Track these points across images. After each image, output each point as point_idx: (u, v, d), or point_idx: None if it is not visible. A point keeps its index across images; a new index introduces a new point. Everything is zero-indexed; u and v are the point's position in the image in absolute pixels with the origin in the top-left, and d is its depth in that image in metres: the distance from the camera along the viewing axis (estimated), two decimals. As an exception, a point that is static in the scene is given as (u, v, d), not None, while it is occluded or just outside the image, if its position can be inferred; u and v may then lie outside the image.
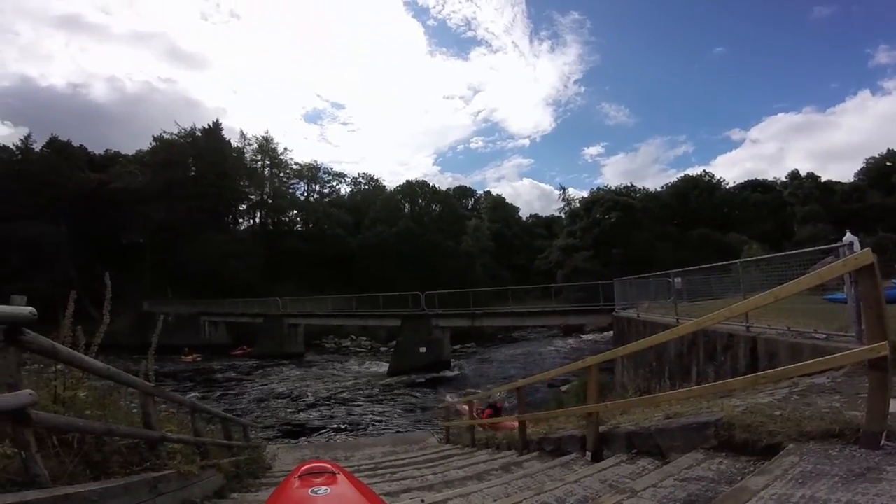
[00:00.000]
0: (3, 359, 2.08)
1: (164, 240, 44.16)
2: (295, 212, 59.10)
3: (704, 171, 68.74)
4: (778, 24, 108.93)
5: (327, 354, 32.41)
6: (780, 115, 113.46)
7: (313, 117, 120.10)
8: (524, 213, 76.50)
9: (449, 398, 18.63)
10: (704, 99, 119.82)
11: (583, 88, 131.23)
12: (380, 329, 35.71)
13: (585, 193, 65.52)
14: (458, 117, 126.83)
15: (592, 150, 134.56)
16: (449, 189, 66.11)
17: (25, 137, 47.38)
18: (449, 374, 22.62)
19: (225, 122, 57.57)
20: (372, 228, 49.31)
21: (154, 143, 50.46)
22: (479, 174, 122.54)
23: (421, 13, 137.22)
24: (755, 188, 63.02)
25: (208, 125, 51.83)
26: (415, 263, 44.02)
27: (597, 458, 3.83)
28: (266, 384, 21.86)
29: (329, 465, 1.39)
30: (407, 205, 53.77)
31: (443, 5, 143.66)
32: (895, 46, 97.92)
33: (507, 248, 58.84)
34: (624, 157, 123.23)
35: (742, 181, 66.65)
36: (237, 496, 4.44)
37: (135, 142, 72.31)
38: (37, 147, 46.62)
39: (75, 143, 49.29)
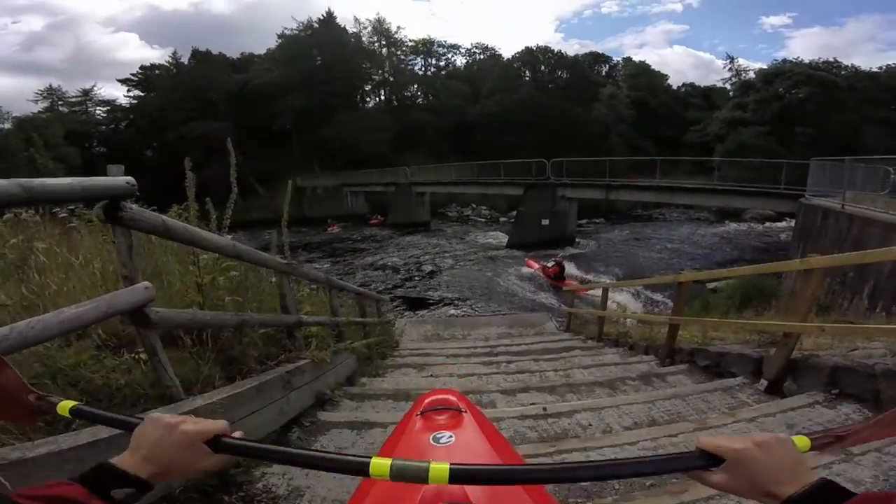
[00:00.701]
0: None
1: (306, 123, 47.80)
2: (415, 86, 58.43)
3: None
4: None
5: (450, 223, 33.66)
6: None
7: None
8: (674, 83, 63.29)
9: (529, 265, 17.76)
10: None
11: None
12: (500, 198, 35.58)
13: (762, 65, 51.39)
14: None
15: (774, 20, 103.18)
16: (577, 55, 57.14)
17: (173, 54, 52.54)
18: (572, 250, 21.49)
19: (337, 12, 56.29)
20: (490, 98, 46.30)
21: (279, 41, 53.16)
22: (614, 41, 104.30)
23: None
24: None
25: (322, 16, 51.86)
26: (538, 132, 40.87)
27: (775, 390, 3.01)
28: (395, 253, 23.31)
29: (454, 397, 1.30)
30: (528, 73, 48.50)
31: None
32: None
33: (652, 118, 50.49)
34: (822, 30, 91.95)
35: None
36: (365, 381, 4.26)
37: (263, 43, 77.30)
38: (184, 60, 51.99)
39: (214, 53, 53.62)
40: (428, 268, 19.39)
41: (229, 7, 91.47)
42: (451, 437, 1.07)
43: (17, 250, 2.41)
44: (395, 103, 56.07)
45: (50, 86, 51.37)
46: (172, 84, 49.71)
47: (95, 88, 52.69)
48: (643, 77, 56.82)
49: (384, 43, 56.21)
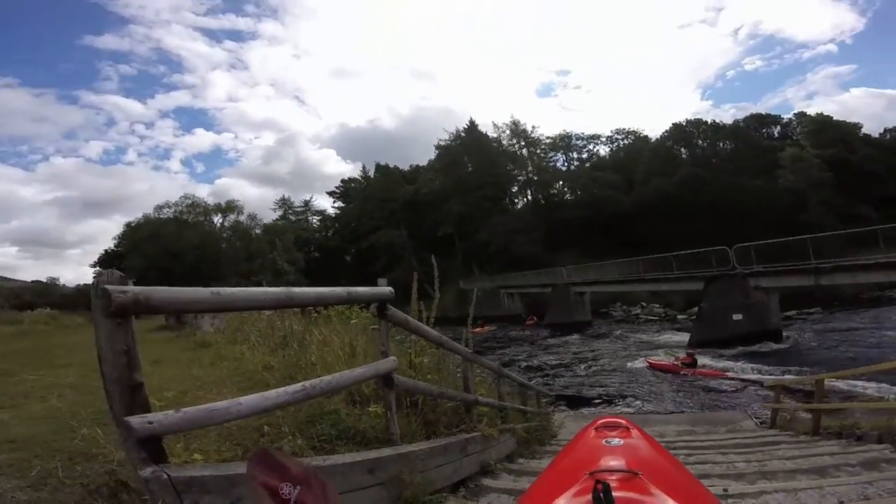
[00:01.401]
0: (378, 330, 2.56)
1: (465, 228, 51.99)
2: (560, 183, 59.50)
3: None
4: None
5: (615, 323, 30.79)
6: None
7: (545, 91, 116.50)
8: (871, 131, 52.83)
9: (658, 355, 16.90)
10: None
11: None
12: (674, 294, 31.96)
13: None
14: (712, 42, 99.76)
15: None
16: (737, 121, 51.98)
17: (363, 169, 64.71)
18: (775, 346, 17.43)
19: (476, 118, 63.50)
20: (645, 184, 44.04)
21: (437, 151, 60.71)
22: (775, 97, 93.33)
23: None
24: None
25: (466, 126, 58.28)
26: (711, 215, 36.57)
27: None
28: (552, 351, 22.03)
29: (623, 421, 1.41)
30: (683, 150, 45.47)
31: None
32: None
33: (858, 178, 41.49)
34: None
35: None
36: (523, 461, 4.48)
37: (424, 152, 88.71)
38: (370, 173, 63.24)
39: (390, 166, 63.71)
40: (589, 367, 17.60)
41: (393, 123, 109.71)
42: (620, 440, 1.21)
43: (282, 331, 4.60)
44: (543, 201, 57.63)
45: (283, 196, 66.76)
46: (364, 196, 60.12)
47: (312, 199, 67.11)
48: (829, 131, 48.22)
49: (523, 143, 59.51)
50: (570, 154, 61.95)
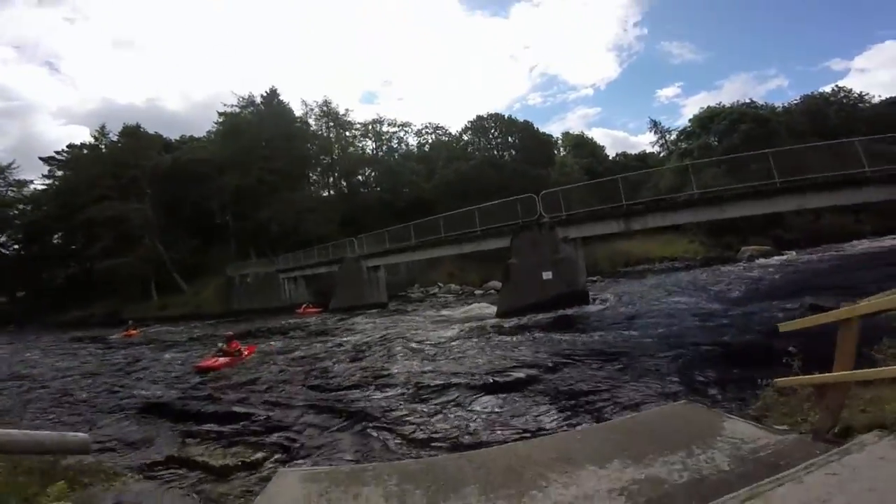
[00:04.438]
0: None
1: (243, 206, 40.73)
2: (367, 170, 53.44)
3: (837, 86, 51.04)
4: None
5: (414, 304, 25.52)
6: (889, 42, 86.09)
7: (369, 98, 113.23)
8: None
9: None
10: (786, 28, 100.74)
11: (644, 30, 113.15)
12: (471, 272, 28.90)
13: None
14: (512, 76, 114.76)
15: (668, 92, 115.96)
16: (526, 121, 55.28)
17: (101, 127, 46.14)
18: (591, 308, 14.24)
19: (285, 96, 53.46)
20: (446, 167, 41.57)
21: (219, 119, 47.59)
22: (545, 128, 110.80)
23: None
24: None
25: (266, 92, 47.26)
26: (503, 194, 35.31)
27: None
28: (331, 341, 14.89)
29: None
30: (482, 139, 45.06)
31: None
32: None
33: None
34: (706, 95, 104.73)
35: (890, 96, 47.84)
36: None
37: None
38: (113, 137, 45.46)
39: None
40: (381, 358, 10.43)
41: (181, 105, 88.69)
42: None
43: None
44: (345, 189, 50.80)
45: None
46: (93, 161, 42.24)
47: (13, 165, 45.22)
48: (585, 146, 57.37)
49: (332, 125, 52.13)
50: (381, 141, 56.41)
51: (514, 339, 10.61)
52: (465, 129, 47.19)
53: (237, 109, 46.99)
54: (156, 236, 39.62)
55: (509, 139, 44.37)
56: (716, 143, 41.00)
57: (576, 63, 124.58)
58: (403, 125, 56.50)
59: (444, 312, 19.00)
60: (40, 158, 45.35)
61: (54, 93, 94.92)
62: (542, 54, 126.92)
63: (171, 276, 39.12)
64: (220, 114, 47.62)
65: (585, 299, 14.84)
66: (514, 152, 42.52)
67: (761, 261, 25.52)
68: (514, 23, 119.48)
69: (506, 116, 45.44)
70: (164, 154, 44.61)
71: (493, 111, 49.85)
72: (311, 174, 51.23)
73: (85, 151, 45.10)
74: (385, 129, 55.42)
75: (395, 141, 56.32)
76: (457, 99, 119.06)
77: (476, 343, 10.72)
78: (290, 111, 48.40)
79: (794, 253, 27.25)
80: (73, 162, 44.01)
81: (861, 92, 50.37)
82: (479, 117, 46.15)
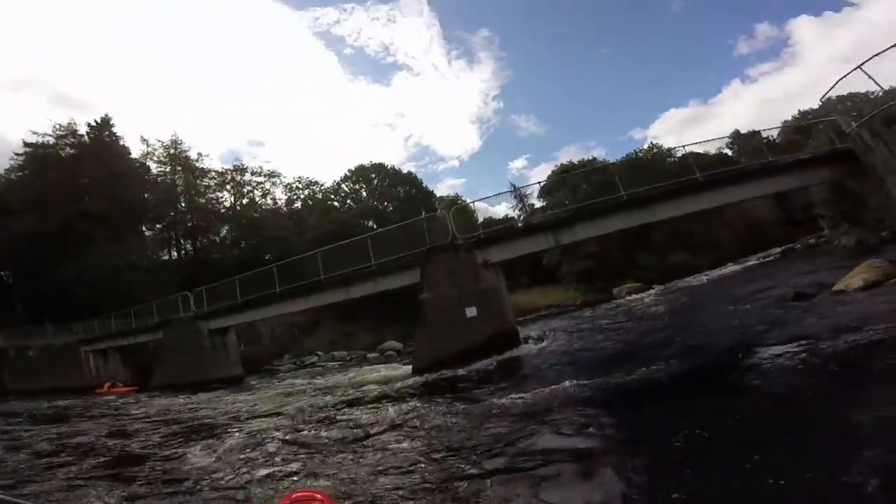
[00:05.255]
0: None
1: (39, 259, 29.83)
2: (224, 227, 44.86)
3: (652, 143, 63.54)
4: (643, 20, 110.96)
5: (284, 376, 18.97)
6: (672, 110, 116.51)
7: (228, 158, 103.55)
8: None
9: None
10: (604, 102, 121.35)
11: (501, 104, 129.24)
12: (360, 336, 24.07)
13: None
14: (388, 144, 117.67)
15: (518, 164, 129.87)
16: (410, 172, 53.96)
17: None
18: (526, 350, 10.84)
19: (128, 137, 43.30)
20: (324, 216, 36.73)
21: (26, 150, 35.44)
22: None
23: (335, 42, 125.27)
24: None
25: (95, 121, 37.47)
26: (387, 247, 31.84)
27: None
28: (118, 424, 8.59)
29: (318, 496, 1.28)
30: (363, 188, 41.90)
31: (358, 33, 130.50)
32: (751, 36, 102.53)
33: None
34: (546, 167, 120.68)
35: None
36: None
37: None
38: None
39: None
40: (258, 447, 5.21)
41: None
42: None
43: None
44: (193, 247, 41.64)
45: None
46: None
47: None
48: (462, 211, 57.60)
49: (179, 169, 43.11)
50: (241, 194, 48.33)
51: (452, 414, 6.28)
52: (344, 178, 43.53)
53: (51, 140, 36.01)
54: None
55: (392, 190, 42.00)
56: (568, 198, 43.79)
57: (445, 134, 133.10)
58: (270, 175, 49.73)
59: (330, 380, 13.58)
60: None
61: None
62: (417, 124, 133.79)
63: None
64: (26, 144, 35.65)
65: (516, 339, 11.45)
66: (396, 203, 39.94)
67: (634, 296, 26.20)
68: (394, 91, 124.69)
69: (389, 167, 43.36)
70: None
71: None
72: (145, 228, 40.86)
73: None
74: (248, 177, 48.11)
75: (260, 193, 49.30)
76: (333, 165, 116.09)
77: (386, 422, 6.17)
78: (123, 147, 39.01)
79: (657, 287, 28.84)
80: None
81: (670, 147, 61.82)
82: (361, 166, 43.41)
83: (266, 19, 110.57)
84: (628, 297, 26.58)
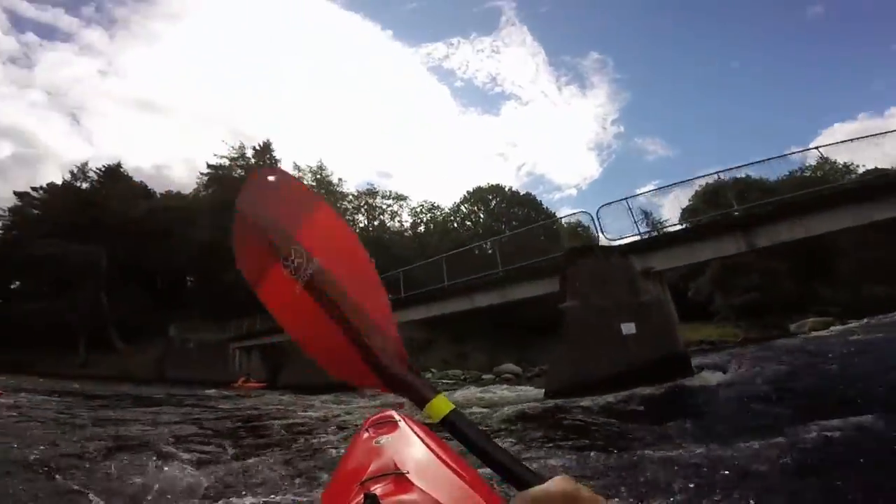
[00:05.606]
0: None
1: (211, 265, 34.41)
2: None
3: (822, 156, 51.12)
4: (775, 28, 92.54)
5: None
6: (837, 125, 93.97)
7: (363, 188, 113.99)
8: None
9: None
10: (743, 119, 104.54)
11: (621, 128, 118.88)
12: (473, 356, 22.46)
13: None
14: (502, 174, 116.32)
15: (646, 189, 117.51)
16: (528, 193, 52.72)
17: (82, 164, 42.09)
18: (694, 382, 8.03)
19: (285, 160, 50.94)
20: (444, 237, 37.11)
21: (208, 171, 43.61)
22: None
23: (446, 76, 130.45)
24: None
25: (259, 145, 44.39)
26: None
27: None
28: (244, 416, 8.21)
29: (394, 414, 1.36)
30: (481, 210, 41.45)
31: (466, 65, 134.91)
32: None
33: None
34: (682, 191, 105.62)
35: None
36: None
37: None
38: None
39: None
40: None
41: (185, 174, 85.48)
42: (389, 438, 1.12)
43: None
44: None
45: None
46: (62, 199, 37.40)
47: None
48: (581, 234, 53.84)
49: (323, 192, 48.38)
50: (373, 216, 52.42)
51: (602, 459, 4.09)
52: (463, 200, 43.70)
53: (226, 162, 43.48)
54: (101, 286, 33.37)
55: (510, 211, 40.68)
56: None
57: (560, 162, 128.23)
58: (398, 198, 53.02)
59: (454, 395, 12.22)
60: (16, 193, 38.96)
61: (70, 145, 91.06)
62: (529, 153, 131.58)
63: (108, 333, 32.21)
64: (209, 166, 43.79)
65: (688, 366, 8.64)
66: (516, 224, 38.34)
67: (818, 333, 20.71)
68: (504, 121, 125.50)
69: (506, 188, 42.36)
70: (140, 200, 39.75)
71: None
72: (296, 243, 46.58)
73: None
74: (379, 201, 51.90)
75: (389, 216, 52.67)
76: (450, 194, 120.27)
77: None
78: (278, 166, 45.15)
79: (853, 323, 21.82)
80: (40, 200, 38.46)
81: (846, 162, 49.31)
82: (479, 188, 43.19)
83: (387, 58, 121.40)
84: (814, 334, 20.54)
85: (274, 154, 44.72)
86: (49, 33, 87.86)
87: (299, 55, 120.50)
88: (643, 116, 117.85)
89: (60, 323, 30.34)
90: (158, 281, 37.48)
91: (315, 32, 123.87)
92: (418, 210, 52.11)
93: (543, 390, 9.06)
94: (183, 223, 36.71)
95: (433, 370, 26.24)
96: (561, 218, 11.54)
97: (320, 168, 48.69)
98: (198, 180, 44.02)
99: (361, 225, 50.40)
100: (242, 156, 43.80)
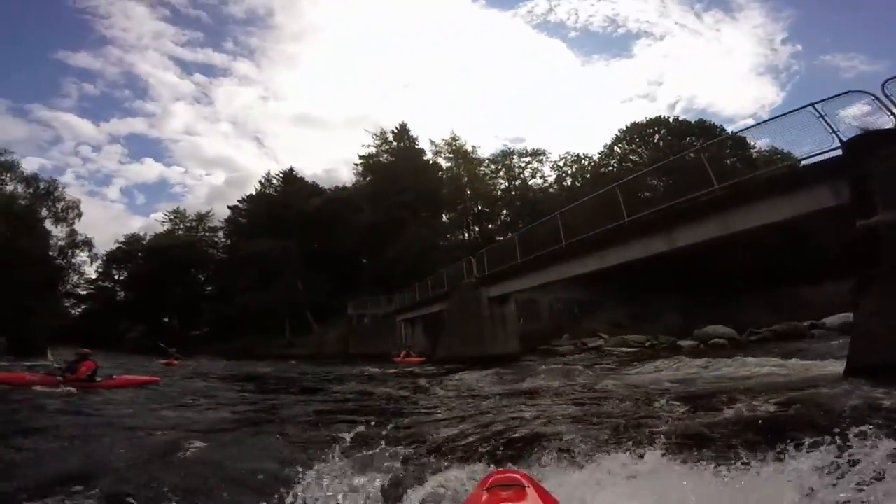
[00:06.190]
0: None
1: (374, 244, 38.27)
2: (504, 212, 46.80)
3: None
4: None
5: (567, 360, 15.34)
6: None
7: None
8: None
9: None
10: None
11: (798, 46, 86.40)
12: (649, 320, 18.11)
13: None
14: (653, 115, 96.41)
15: (852, 111, 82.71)
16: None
17: (266, 174, 50.33)
18: None
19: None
20: (598, 185, 31.66)
21: (361, 161, 46.97)
22: None
23: (556, 29, 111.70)
24: None
25: (396, 127, 45.67)
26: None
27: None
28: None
29: (519, 477, 1.24)
30: (641, 150, 34.73)
31: (576, 14, 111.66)
32: None
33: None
34: None
35: None
36: None
37: None
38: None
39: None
40: None
41: (350, 175, 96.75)
42: None
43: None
44: (479, 231, 44.71)
45: (176, 208, 53.93)
46: (256, 205, 46.22)
47: (210, 213, 52.20)
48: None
49: (461, 161, 47.43)
50: (513, 176, 49.47)
51: None
52: (616, 141, 37.01)
53: (373, 149, 46.22)
54: (296, 275, 39.01)
55: (683, 142, 32.48)
56: None
57: (724, 93, 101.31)
58: (535, 154, 48.51)
59: (680, 372, 8.76)
60: (229, 207, 49.47)
61: (261, 164, 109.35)
62: (681, 89, 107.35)
63: (305, 315, 37.64)
64: (360, 156, 47.10)
65: None
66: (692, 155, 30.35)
67: None
68: (639, 62, 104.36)
69: (670, 118, 34.06)
70: (313, 198, 45.59)
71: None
72: (444, 215, 46.82)
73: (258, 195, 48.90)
74: (515, 160, 48.35)
75: (529, 173, 48.73)
76: (593, 144, 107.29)
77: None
78: (420, 150, 45.68)
79: None
80: (244, 209, 47.94)
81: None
82: (635, 124, 35.93)
83: (485, 27, 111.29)
84: None
85: (410, 132, 45.24)
86: (209, 70, 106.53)
87: (398, 43, 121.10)
88: (824, 30, 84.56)
89: (268, 310, 36.57)
90: (337, 265, 42.12)
91: (407, 17, 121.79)
92: (560, 164, 47.05)
93: (843, 365, 5.18)
94: (349, 211, 40.84)
95: (603, 336, 22.45)
96: (829, 99, 6.42)
97: (454, 139, 47.44)
98: (354, 172, 47.87)
99: (502, 187, 48.17)
100: (385, 140, 45.73)
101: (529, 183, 47.22)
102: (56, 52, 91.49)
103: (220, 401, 7.42)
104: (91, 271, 43.41)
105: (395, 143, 44.78)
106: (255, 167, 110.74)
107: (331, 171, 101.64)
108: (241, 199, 49.61)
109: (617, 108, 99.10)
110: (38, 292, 25.87)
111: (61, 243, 30.31)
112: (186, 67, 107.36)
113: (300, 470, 2.36)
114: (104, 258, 44.56)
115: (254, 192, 49.14)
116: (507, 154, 47.62)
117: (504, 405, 5.84)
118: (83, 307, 48.79)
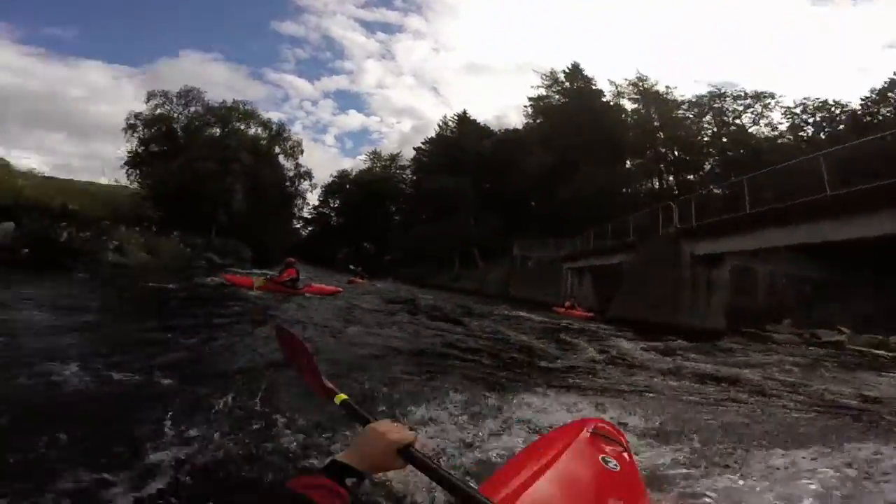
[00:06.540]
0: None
1: (546, 186, 37.09)
2: (711, 161, 38.53)
3: None
4: None
5: (788, 350, 11.72)
6: None
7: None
8: None
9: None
10: None
11: None
12: None
13: None
14: None
15: None
16: None
17: (443, 117, 53.76)
18: None
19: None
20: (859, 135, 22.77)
21: (530, 104, 45.24)
22: None
23: None
24: None
25: (568, 68, 41.68)
26: None
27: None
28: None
29: (621, 437, 1.26)
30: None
31: None
32: None
33: None
34: None
35: None
36: None
37: None
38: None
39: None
40: None
41: (519, 120, 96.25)
42: (616, 465, 1.05)
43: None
44: (675, 181, 38.10)
45: (374, 150, 62.85)
46: (437, 146, 49.98)
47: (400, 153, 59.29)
48: None
49: (652, 107, 40.00)
50: (724, 122, 39.50)
51: None
52: (889, 86, 25.59)
53: (542, 91, 43.62)
54: (469, 212, 41.04)
55: None
56: None
57: None
58: (759, 96, 37.16)
59: None
60: (413, 148, 54.73)
61: (439, 111, 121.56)
62: None
63: (472, 252, 39.43)
64: (529, 98, 45.06)
65: None
66: None
67: None
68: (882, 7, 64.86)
69: None
70: (486, 141, 46.75)
71: None
72: (629, 161, 41.23)
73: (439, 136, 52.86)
74: (728, 103, 38.11)
75: (750, 119, 37.97)
76: (842, 93, 75.82)
77: None
78: (597, 90, 41.02)
79: None
80: (426, 150, 52.07)
81: None
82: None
83: None
84: None
85: (584, 72, 40.66)
86: (387, 28, 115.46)
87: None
88: None
89: (442, 242, 39.63)
90: (507, 206, 42.40)
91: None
92: (797, 111, 35.07)
93: None
94: (520, 153, 39.92)
95: (844, 331, 16.73)
96: None
97: (640, 79, 39.98)
98: (524, 114, 46.33)
99: (709, 133, 39.25)
100: (556, 81, 42.52)
101: (750, 130, 37.43)
102: (270, 24, 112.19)
103: (367, 321, 7.94)
104: (314, 199, 54.23)
105: (566, 84, 41.39)
106: (434, 115, 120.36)
107: (501, 118, 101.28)
108: (423, 141, 53.88)
109: (868, 55, 67.19)
110: (276, 213, 33.24)
111: (290, 174, 37.47)
112: (369, 27, 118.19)
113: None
114: (323, 188, 54.76)
115: (433, 135, 52.54)
116: (715, 96, 38.21)
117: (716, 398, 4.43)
118: (309, 229, 60.41)
